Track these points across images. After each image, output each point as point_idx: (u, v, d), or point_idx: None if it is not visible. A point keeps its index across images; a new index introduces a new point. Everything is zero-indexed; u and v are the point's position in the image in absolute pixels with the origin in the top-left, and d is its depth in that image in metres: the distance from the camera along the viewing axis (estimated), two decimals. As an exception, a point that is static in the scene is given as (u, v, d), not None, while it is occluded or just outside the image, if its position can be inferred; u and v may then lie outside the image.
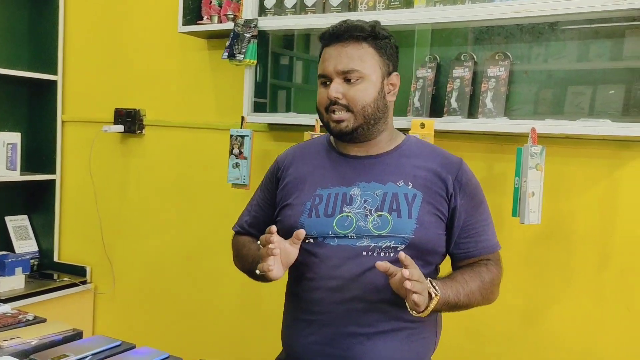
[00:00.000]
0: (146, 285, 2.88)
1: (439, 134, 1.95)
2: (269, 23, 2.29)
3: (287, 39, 2.51)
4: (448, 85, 2.02)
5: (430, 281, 1.22)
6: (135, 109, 2.83)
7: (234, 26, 2.32)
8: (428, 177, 1.34)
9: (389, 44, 1.36)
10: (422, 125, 1.93)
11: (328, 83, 1.33)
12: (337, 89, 1.31)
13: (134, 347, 1.35)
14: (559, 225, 1.89)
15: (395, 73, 1.38)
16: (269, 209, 1.48)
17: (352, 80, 1.31)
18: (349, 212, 1.31)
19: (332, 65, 1.31)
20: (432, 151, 1.42)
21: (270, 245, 1.22)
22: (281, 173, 1.46)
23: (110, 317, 3.00)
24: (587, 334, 1.88)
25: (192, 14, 2.54)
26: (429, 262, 1.35)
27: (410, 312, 1.20)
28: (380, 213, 1.30)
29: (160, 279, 2.84)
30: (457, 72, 2.01)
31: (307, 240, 1.33)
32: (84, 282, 2.96)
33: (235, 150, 2.29)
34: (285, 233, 1.35)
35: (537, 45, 1.96)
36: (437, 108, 2.06)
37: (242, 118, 2.32)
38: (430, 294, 1.20)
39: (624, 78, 1.83)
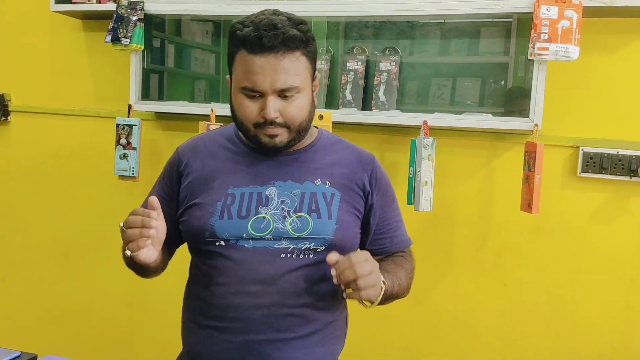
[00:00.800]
0: (14, 287, 2.64)
1: (334, 125, 2.00)
2: (156, 7, 2.18)
3: (158, 21, 2.34)
4: (342, 78, 2.08)
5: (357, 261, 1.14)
6: (-1, 93, 2.56)
7: (117, 8, 2.18)
8: (345, 175, 1.31)
9: (315, 46, 1.26)
10: (321, 117, 1.97)
11: (257, 96, 1.20)
12: (275, 106, 1.19)
13: (35, 357, 1.24)
14: (443, 211, 2.03)
15: (317, 75, 1.30)
16: (169, 206, 1.32)
17: (288, 97, 1.20)
18: (265, 213, 1.24)
19: (267, 81, 1.17)
20: (345, 147, 1.38)
21: (152, 224, 1.11)
22: (184, 167, 1.32)
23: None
24: (469, 309, 2.06)
25: (66, -9, 2.35)
26: None
27: (363, 304, 1.17)
28: (299, 214, 1.24)
29: (32, 279, 2.61)
30: (351, 65, 2.08)
31: (217, 243, 1.24)
32: (-62, 287, 2.64)
33: (123, 140, 2.17)
34: (193, 235, 1.26)
35: (422, 41, 2.09)
36: (330, 100, 2.12)
37: (129, 106, 2.20)
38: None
39: (481, 72, 2.04)
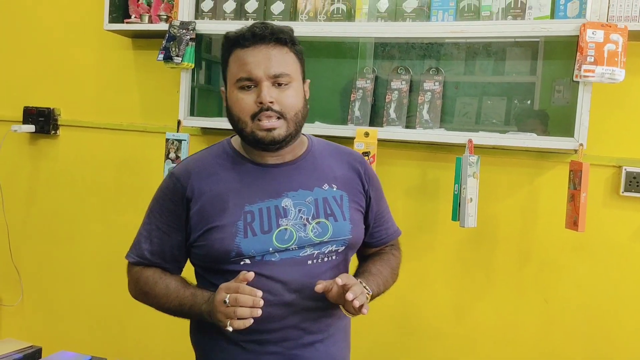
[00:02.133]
0: (61, 296, 2.71)
1: (379, 142, 2.05)
2: (207, 27, 2.26)
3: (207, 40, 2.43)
4: (387, 97, 2.14)
5: (360, 282, 1.27)
6: (49, 108, 2.65)
7: (169, 27, 2.26)
8: (346, 175, 1.38)
9: (301, 51, 1.32)
10: (367, 134, 2.03)
11: (252, 87, 1.24)
12: (270, 93, 1.22)
13: (107, 362, 1.29)
14: (486, 227, 2.07)
15: (307, 80, 1.35)
16: (176, 234, 1.33)
17: (282, 85, 1.24)
18: (286, 225, 1.28)
19: (260, 68, 1.22)
20: (335, 148, 1.44)
21: (261, 304, 1.16)
22: (191, 192, 1.30)
23: (18, 331, 2.78)
24: (510, 324, 2.08)
25: (118, 11, 2.45)
26: (350, 256, 1.41)
27: (347, 314, 1.27)
28: (318, 220, 1.30)
29: (77, 290, 2.68)
30: (395, 84, 2.13)
31: (242, 262, 1.26)
32: (-15, 295, 2.73)
33: (172, 155, 2.24)
34: (216, 257, 1.28)
35: (466, 62, 2.14)
36: (374, 118, 2.17)
37: (179, 122, 2.28)
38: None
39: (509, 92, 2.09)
